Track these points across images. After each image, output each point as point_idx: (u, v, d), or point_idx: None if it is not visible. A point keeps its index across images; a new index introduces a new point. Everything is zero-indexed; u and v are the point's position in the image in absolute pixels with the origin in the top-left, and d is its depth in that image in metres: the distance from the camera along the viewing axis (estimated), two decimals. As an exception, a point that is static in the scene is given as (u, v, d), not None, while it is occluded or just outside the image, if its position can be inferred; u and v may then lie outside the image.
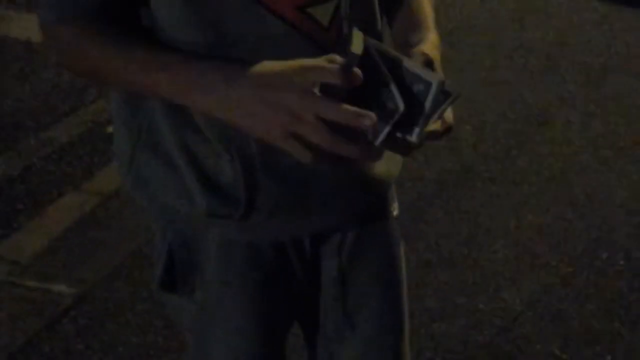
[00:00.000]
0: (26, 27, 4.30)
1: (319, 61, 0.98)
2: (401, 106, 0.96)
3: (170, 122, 1.20)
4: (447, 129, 1.09)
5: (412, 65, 1.00)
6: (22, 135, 3.63)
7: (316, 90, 0.97)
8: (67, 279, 2.78)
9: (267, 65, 1.02)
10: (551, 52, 4.48)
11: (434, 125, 1.03)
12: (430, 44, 1.16)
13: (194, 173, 1.22)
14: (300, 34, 1.12)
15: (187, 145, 1.21)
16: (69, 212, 3.12)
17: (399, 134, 0.98)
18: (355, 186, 1.32)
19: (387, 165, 1.36)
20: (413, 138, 0.98)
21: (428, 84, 0.99)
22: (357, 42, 0.96)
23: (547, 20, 4.87)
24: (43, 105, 3.87)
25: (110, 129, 1.36)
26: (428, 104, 0.98)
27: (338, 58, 0.97)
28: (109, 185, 3.19)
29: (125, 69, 1.11)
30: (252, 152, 1.18)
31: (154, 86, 1.10)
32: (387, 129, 0.97)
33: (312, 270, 1.43)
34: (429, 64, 1.09)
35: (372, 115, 0.95)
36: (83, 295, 2.71)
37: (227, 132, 1.16)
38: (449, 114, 1.08)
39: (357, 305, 1.46)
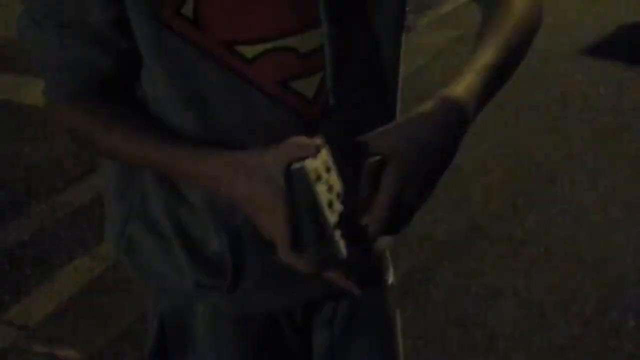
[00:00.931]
0: (37, 93, 4.36)
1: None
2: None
3: (162, 196, 1.21)
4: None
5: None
6: (34, 200, 3.67)
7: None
8: (75, 343, 2.78)
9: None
10: (557, 111, 4.51)
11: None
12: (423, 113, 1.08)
13: (183, 244, 1.22)
14: (285, 108, 1.12)
15: (176, 218, 1.22)
16: (79, 277, 3.14)
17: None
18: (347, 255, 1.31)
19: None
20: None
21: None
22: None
23: (553, 79, 4.91)
24: (55, 170, 3.91)
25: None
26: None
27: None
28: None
29: (132, 152, 1.14)
30: (237, 224, 1.19)
31: (163, 170, 1.14)
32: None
33: (305, 340, 1.42)
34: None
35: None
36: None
37: (213, 205, 1.17)
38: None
39: None
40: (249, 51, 1.09)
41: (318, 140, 1.00)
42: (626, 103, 4.59)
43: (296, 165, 0.98)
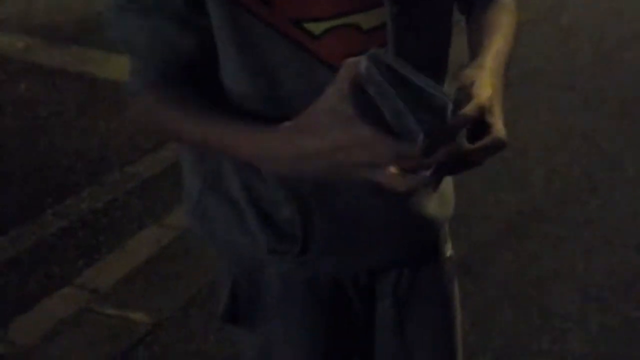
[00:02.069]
0: (114, 67, 4.50)
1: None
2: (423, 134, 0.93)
3: (234, 167, 1.27)
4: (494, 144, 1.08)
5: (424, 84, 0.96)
6: (107, 170, 3.80)
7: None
8: (144, 308, 2.90)
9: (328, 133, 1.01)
10: (626, 98, 4.48)
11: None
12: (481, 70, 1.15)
13: (255, 212, 1.28)
14: None
15: (249, 187, 1.27)
16: (149, 245, 3.25)
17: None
18: (406, 226, 1.36)
19: (439, 205, 1.41)
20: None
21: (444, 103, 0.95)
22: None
23: (621, 64, 4.88)
24: (128, 143, 4.04)
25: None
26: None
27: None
28: (186, 220, 3.30)
29: (205, 138, 1.18)
30: (306, 193, 1.24)
31: (229, 153, 1.18)
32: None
33: (369, 307, 1.48)
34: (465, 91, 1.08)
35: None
36: (159, 324, 2.82)
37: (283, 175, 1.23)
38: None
39: (413, 343, 1.50)
40: (315, 28, 1.14)
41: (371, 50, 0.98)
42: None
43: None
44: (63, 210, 3.48)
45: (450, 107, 0.94)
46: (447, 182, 1.45)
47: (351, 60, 0.97)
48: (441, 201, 1.42)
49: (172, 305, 2.91)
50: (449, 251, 1.53)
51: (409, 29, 1.20)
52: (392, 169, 0.97)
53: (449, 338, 1.54)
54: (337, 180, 1.08)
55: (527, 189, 3.62)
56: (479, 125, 1.06)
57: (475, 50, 1.25)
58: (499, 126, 1.08)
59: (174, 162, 3.77)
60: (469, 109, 1.03)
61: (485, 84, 1.10)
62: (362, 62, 0.95)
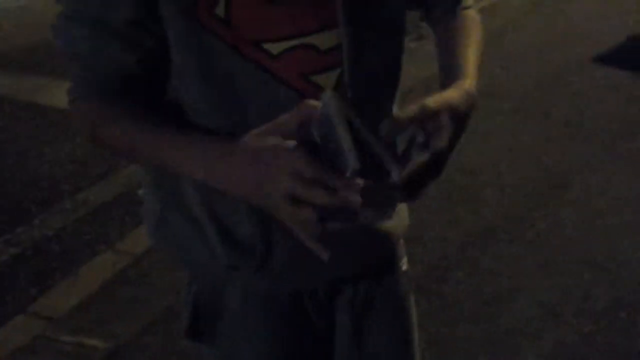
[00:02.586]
0: (63, 95, 4.44)
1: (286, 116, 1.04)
2: (355, 165, 0.96)
3: (194, 183, 1.28)
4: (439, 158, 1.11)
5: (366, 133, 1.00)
6: (59, 197, 3.76)
7: (290, 144, 1.01)
8: (101, 334, 2.86)
9: (251, 136, 1.07)
10: (569, 118, 4.58)
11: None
12: (456, 91, 1.20)
13: (215, 228, 1.30)
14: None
15: (209, 203, 1.29)
16: (102, 271, 3.22)
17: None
18: (364, 240, 1.38)
19: (395, 220, 1.44)
20: (394, 177, 0.99)
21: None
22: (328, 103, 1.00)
23: (565, 87, 4.99)
24: (79, 169, 4.01)
25: (141, 192, 1.45)
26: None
27: (309, 103, 1.02)
28: (141, 245, 3.29)
29: (139, 148, 1.20)
30: None
31: (166, 164, 1.19)
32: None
33: (328, 320, 1.49)
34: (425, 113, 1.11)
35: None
36: (116, 350, 2.79)
37: None
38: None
39: (372, 355, 1.52)
40: (274, 48, 1.18)
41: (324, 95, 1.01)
42: (635, 111, 4.66)
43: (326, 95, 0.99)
44: (14, 238, 3.43)
45: (394, 171, 0.99)
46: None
47: (309, 102, 1.02)
48: (397, 216, 1.46)
49: (129, 330, 2.88)
50: (404, 265, 1.56)
51: (364, 48, 1.24)
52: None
53: (407, 349, 1.57)
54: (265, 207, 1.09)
55: (479, 209, 3.67)
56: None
57: (448, 62, 1.30)
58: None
59: (126, 188, 3.76)
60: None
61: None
62: (322, 100, 0.99)
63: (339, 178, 0.97)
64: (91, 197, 3.78)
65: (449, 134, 1.11)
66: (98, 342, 2.82)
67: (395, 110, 1.36)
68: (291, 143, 1.01)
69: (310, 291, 1.45)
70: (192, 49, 1.16)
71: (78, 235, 3.48)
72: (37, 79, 5.02)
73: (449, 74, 1.27)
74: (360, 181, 0.97)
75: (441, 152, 1.10)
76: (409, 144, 1.10)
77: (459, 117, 1.14)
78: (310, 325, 1.47)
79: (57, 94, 4.59)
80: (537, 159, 4.14)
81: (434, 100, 1.11)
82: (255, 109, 1.19)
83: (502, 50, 5.52)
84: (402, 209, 1.51)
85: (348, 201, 0.98)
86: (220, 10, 1.14)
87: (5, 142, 4.31)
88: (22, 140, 4.33)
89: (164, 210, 1.35)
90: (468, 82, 1.24)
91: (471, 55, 1.32)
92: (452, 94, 1.16)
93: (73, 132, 4.28)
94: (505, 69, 5.17)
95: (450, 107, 1.13)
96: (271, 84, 1.19)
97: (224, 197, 1.26)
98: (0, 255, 3.32)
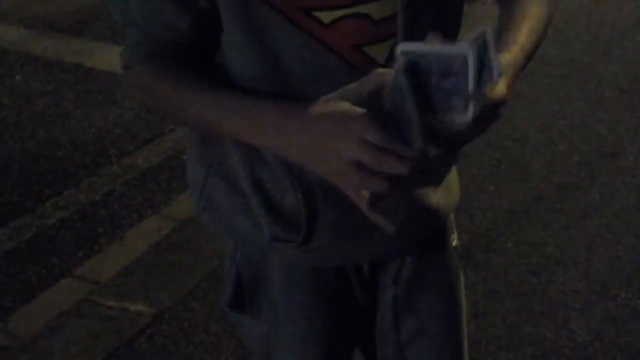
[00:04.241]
0: (110, 58, 4.47)
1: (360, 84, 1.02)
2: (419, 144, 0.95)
3: (240, 154, 1.27)
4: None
5: (440, 49, 0.95)
6: (105, 162, 3.78)
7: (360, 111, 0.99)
8: (145, 299, 2.88)
9: (321, 101, 1.06)
10: (624, 85, 4.47)
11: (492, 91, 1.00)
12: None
13: (260, 200, 1.28)
14: (356, 70, 1.15)
15: (254, 174, 1.27)
16: (148, 236, 3.24)
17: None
18: (412, 215, 1.35)
19: (444, 195, 1.41)
20: (468, 114, 0.94)
21: (462, 59, 0.93)
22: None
23: (620, 53, 4.87)
24: (126, 133, 4.02)
25: (186, 157, 1.46)
26: (470, 79, 0.93)
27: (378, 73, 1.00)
28: (186, 210, 3.30)
29: (198, 112, 1.19)
30: (312, 180, 1.24)
31: (225, 128, 1.18)
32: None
33: (371, 296, 1.48)
34: None
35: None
36: (160, 315, 2.81)
37: (289, 163, 1.22)
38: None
39: (413, 334, 1.50)
40: (325, 16, 1.14)
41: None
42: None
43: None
44: (62, 201, 3.46)
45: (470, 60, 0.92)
46: (452, 172, 1.45)
47: (379, 71, 1.00)
48: (446, 191, 1.42)
49: (173, 296, 2.90)
50: (454, 241, 1.53)
51: (419, 19, 1.20)
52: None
53: (455, 328, 1.54)
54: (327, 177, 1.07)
55: (528, 177, 3.61)
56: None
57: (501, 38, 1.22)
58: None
59: (173, 152, 3.77)
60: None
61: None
62: (394, 69, 0.96)
63: (406, 148, 0.95)
64: (138, 162, 3.79)
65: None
66: (142, 307, 2.84)
67: None
68: (361, 110, 0.99)
69: (355, 266, 1.43)
70: (240, 15, 1.13)
71: (124, 199, 3.50)
72: (85, 42, 5.04)
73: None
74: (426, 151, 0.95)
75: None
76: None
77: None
78: (353, 300, 1.46)
79: (103, 57, 4.67)
80: (588, 126, 4.05)
81: None
82: (304, 78, 1.16)
83: (553, 16, 5.39)
84: (452, 181, 1.46)
85: (415, 171, 0.96)
86: None
87: (52, 105, 4.34)
88: (69, 104, 4.35)
89: (208, 179, 1.34)
90: (507, 56, 1.15)
91: (520, 35, 1.22)
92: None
93: (120, 96, 4.29)
94: (555, 32, 5.05)
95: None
96: (322, 54, 1.16)
97: (269, 169, 1.26)
98: (48, 219, 3.35)
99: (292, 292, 1.40)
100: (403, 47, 0.96)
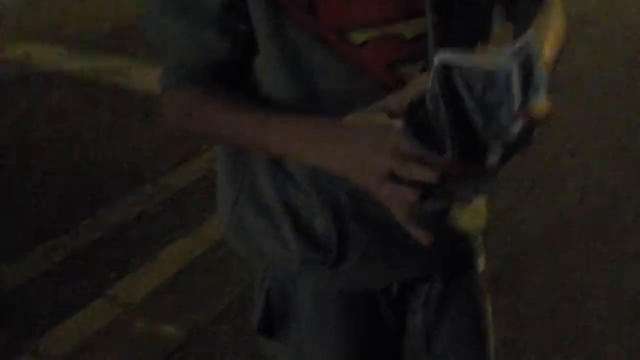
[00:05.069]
0: (146, 78, 4.52)
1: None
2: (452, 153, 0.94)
3: (270, 176, 1.29)
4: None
5: (478, 61, 0.93)
6: (139, 182, 3.81)
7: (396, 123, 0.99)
8: (176, 321, 2.90)
9: (358, 114, 1.06)
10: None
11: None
12: None
13: (290, 222, 1.30)
14: (389, 90, 1.13)
15: (284, 197, 1.29)
16: (180, 257, 3.26)
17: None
18: (440, 238, 1.35)
19: (472, 218, 1.41)
20: (512, 129, 0.92)
21: (506, 73, 0.91)
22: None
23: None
24: (160, 154, 4.06)
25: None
26: (514, 94, 0.91)
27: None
28: (219, 231, 3.29)
29: (241, 131, 1.20)
30: (342, 203, 1.25)
31: (263, 143, 1.18)
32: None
33: (401, 320, 1.48)
34: None
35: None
36: (190, 337, 2.82)
37: (319, 185, 1.24)
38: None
39: (443, 357, 1.50)
40: (358, 36, 1.16)
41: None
42: None
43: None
44: (95, 222, 3.50)
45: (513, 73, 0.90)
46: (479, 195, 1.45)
47: (422, 78, 1.00)
48: (474, 213, 1.43)
49: (204, 318, 2.91)
50: (481, 265, 1.53)
51: (449, 37, 1.20)
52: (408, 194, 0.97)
53: (481, 352, 1.54)
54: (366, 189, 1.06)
55: (560, 201, 3.58)
56: None
57: None
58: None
59: (206, 173, 3.79)
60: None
61: None
62: (429, 80, 0.95)
63: (438, 156, 0.95)
64: (172, 182, 3.82)
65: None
66: (173, 329, 2.86)
67: None
68: (397, 122, 0.99)
69: (384, 289, 1.43)
70: (274, 37, 1.16)
71: (157, 220, 3.53)
72: (121, 61, 5.09)
73: None
74: (460, 161, 0.94)
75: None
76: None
77: None
78: (381, 324, 1.46)
79: (139, 77, 4.71)
80: (623, 148, 4.01)
81: None
82: (337, 98, 1.18)
83: (591, 35, 5.35)
84: (481, 205, 1.47)
85: (446, 179, 0.96)
86: None
87: (86, 125, 4.38)
88: (103, 124, 4.40)
89: (238, 201, 1.35)
90: None
91: (546, 49, 1.24)
92: None
93: (154, 116, 4.33)
94: (594, 51, 5.02)
95: None
96: (355, 74, 1.18)
97: (300, 190, 1.27)
98: (81, 239, 3.38)
99: (321, 317, 1.41)
100: (441, 56, 0.95)
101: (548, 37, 1.27)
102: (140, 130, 4.28)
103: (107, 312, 2.96)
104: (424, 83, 0.99)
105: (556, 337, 2.79)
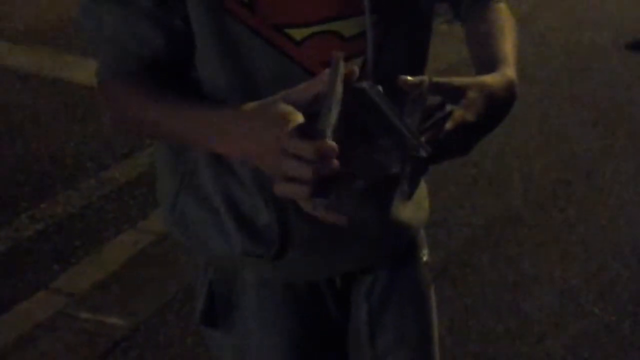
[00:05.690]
0: (89, 72, 4.45)
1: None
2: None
3: (212, 169, 1.28)
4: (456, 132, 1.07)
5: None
6: (83, 175, 3.77)
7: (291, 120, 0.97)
8: (121, 313, 2.87)
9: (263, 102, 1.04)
10: (600, 103, 4.52)
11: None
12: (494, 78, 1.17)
13: (232, 215, 1.29)
14: None
15: (226, 190, 1.28)
16: (124, 249, 3.23)
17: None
18: (382, 230, 1.37)
19: (414, 211, 1.43)
20: (421, 153, 0.98)
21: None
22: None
23: (597, 72, 4.92)
24: (103, 147, 4.01)
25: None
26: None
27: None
28: (163, 224, 3.28)
29: (166, 124, 1.19)
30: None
31: (192, 139, 1.19)
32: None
33: (345, 312, 1.48)
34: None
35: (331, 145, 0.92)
36: (135, 328, 2.79)
37: (260, 177, 1.23)
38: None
39: (388, 350, 1.50)
40: (297, 34, 1.16)
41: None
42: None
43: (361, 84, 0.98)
44: (39, 214, 3.45)
45: (419, 150, 0.97)
46: (422, 189, 1.48)
47: (328, 74, 0.98)
48: (416, 207, 1.44)
49: (149, 309, 2.89)
50: (425, 257, 1.54)
51: (388, 36, 1.23)
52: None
53: (425, 342, 1.55)
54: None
55: (505, 194, 3.64)
56: None
57: (484, 55, 1.26)
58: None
59: (150, 167, 3.76)
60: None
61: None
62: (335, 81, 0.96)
63: (314, 148, 0.91)
64: (115, 176, 3.79)
65: (478, 110, 1.09)
66: (118, 320, 2.83)
67: None
68: (298, 117, 0.96)
69: (328, 281, 1.43)
70: (212, 32, 1.15)
71: (101, 213, 3.49)
72: (63, 55, 5.03)
73: (486, 66, 1.22)
74: (333, 147, 0.91)
75: (466, 126, 1.07)
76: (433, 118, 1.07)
77: (492, 98, 1.12)
78: (326, 315, 1.46)
79: (82, 71, 4.66)
80: (565, 145, 4.09)
81: (462, 79, 1.10)
82: (274, 93, 1.14)
83: (531, 33, 5.44)
84: (423, 198, 1.49)
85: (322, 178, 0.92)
86: None
87: (30, 118, 4.32)
88: (47, 117, 4.34)
89: (179, 194, 1.34)
90: (509, 70, 1.20)
91: (509, 48, 1.27)
92: (486, 78, 1.15)
93: (98, 110, 4.28)
94: (534, 52, 5.10)
95: (482, 87, 1.11)
96: (292, 70, 1.18)
97: (242, 185, 1.27)
98: (24, 231, 3.33)
99: (264, 308, 1.40)
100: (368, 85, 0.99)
101: (508, 36, 1.29)
102: (83, 124, 4.24)
103: (51, 303, 2.91)
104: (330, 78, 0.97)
105: (501, 326, 2.83)
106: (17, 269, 3.10)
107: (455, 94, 1.08)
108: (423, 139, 1.00)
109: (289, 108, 0.98)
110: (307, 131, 0.93)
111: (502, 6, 1.38)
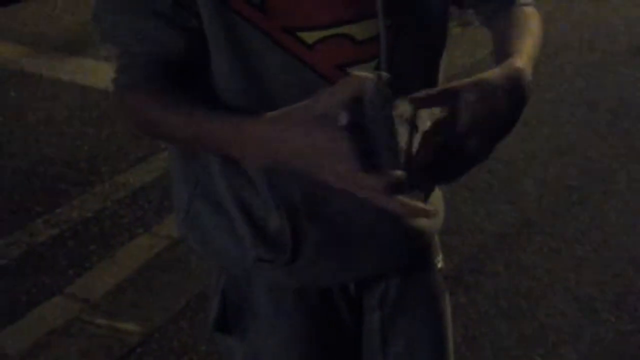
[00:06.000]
0: (103, 76, 4.46)
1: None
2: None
3: (225, 175, 1.27)
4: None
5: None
6: (98, 179, 3.78)
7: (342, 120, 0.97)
8: (135, 318, 2.88)
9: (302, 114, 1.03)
10: (614, 109, 4.50)
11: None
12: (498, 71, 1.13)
13: (245, 221, 1.28)
14: None
15: (239, 196, 1.28)
16: (139, 254, 3.24)
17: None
18: (396, 236, 1.36)
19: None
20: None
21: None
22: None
23: (611, 78, 4.90)
24: (118, 152, 4.02)
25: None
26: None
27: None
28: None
29: (184, 129, 1.17)
30: (296, 201, 1.25)
31: (212, 147, 1.18)
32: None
33: (358, 318, 1.47)
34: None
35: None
36: (149, 334, 2.80)
37: (273, 183, 1.23)
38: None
39: (399, 356, 1.50)
40: (309, 37, 1.16)
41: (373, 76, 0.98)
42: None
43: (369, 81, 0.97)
44: (53, 219, 3.46)
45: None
46: (436, 195, 1.46)
47: (359, 75, 0.97)
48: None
49: (163, 315, 2.90)
50: (439, 263, 1.53)
51: (402, 40, 1.22)
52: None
53: (440, 350, 1.54)
54: (319, 184, 1.04)
55: (519, 201, 3.63)
56: None
57: (503, 50, 1.22)
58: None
59: (165, 171, 3.77)
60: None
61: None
62: (369, 81, 0.96)
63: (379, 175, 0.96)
64: (130, 180, 3.80)
65: (474, 110, 1.04)
66: (132, 325, 2.84)
67: None
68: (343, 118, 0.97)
69: (341, 287, 1.43)
70: (221, 34, 1.15)
71: (116, 217, 3.50)
72: (78, 60, 5.05)
73: (500, 59, 1.18)
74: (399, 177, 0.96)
75: (456, 134, 1.04)
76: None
77: (490, 91, 1.06)
78: (339, 322, 1.45)
79: (97, 75, 4.67)
80: (580, 150, 4.07)
81: (458, 81, 1.05)
82: (286, 97, 1.15)
83: (546, 39, 5.42)
84: (438, 203, 1.47)
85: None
86: None
87: (45, 122, 4.34)
88: (62, 121, 4.36)
89: (193, 199, 1.34)
90: (518, 61, 1.14)
91: (526, 43, 1.22)
92: (483, 74, 1.08)
93: (113, 114, 4.30)
94: (547, 57, 5.09)
95: (475, 84, 1.06)
96: (304, 74, 1.17)
97: (254, 190, 1.26)
98: (39, 236, 3.34)
99: (277, 314, 1.40)
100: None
101: (527, 33, 1.26)
102: (98, 128, 4.25)
103: (66, 309, 2.92)
104: (360, 81, 0.97)
105: (515, 333, 2.82)
106: (32, 275, 3.11)
107: (447, 98, 1.04)
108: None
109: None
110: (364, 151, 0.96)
111: (529, 9, 1.35)
